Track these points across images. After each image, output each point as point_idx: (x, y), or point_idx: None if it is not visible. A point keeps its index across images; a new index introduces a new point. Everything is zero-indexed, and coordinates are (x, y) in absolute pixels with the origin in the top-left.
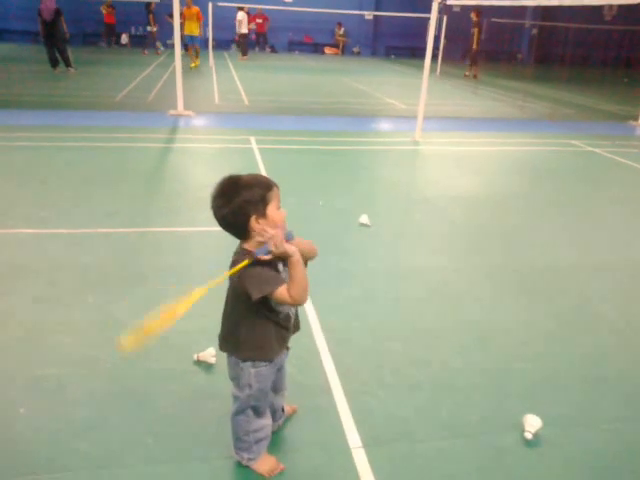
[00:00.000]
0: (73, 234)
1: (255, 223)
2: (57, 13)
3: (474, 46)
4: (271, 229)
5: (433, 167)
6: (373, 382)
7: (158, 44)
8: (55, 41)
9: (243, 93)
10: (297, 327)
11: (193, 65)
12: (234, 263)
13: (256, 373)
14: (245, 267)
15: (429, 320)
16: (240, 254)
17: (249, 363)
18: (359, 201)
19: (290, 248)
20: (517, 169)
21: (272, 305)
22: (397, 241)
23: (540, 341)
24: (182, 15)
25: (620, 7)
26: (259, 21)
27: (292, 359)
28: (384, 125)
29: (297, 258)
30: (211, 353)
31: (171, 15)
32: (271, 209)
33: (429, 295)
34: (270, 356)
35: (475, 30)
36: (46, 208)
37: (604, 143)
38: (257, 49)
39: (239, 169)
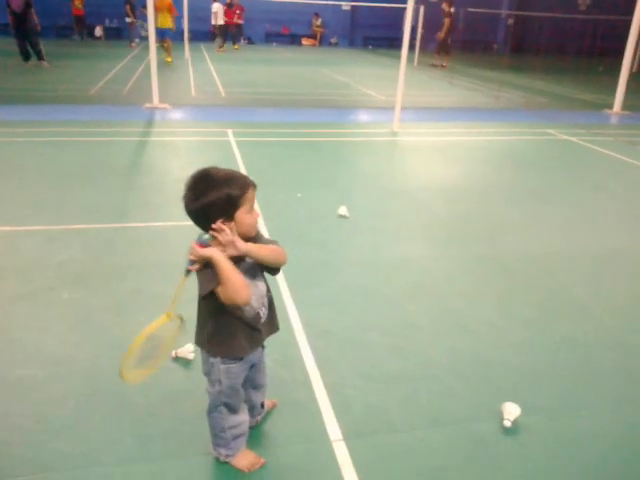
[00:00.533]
0: (48, 230)
1: (220, 224)
2: (27, 5)
3: (442, 35)
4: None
5: (411, 158)
6: (353, 374)
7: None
8: (26, 33)
9: (220, 85)
10: (275, 327)
11: (169, 60)
12: (200, 277)
13: (226, 369)
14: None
15: (410, 311)
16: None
17: (219, 359)
18: (338, 193)
19: (206, 252)
20: (495, 159)
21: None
22: (376, 232)
23: (521, 330)
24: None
25: None
26: (238, 12)
27: (272, 353)
28: (362, 116)
29: (216, 259)
30: (189, 349)
31: (145, 6)
32: (241, 213)
33: (409, 286)
34: (237, 354)
35: (446, 20)
36: (20, 205)
37: (580, 132)
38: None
39: (216, 162)
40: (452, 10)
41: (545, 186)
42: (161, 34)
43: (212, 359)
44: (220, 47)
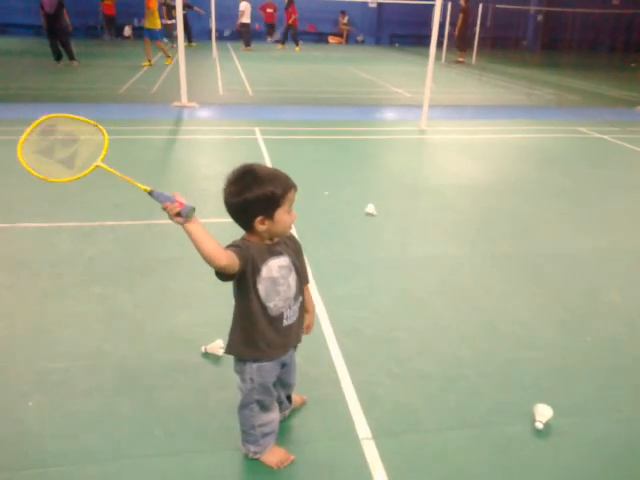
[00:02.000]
0: (79, 227)
1: (259, 224)
2: (59, 5)
3: (457, 31)
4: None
5: (439, 156)
6: (381, 372)
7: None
8: (58, 34)
9: (247, 84)
10: (298, 339)
11: (168, 61)
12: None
13: (257, 367)
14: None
15: (437, 310)
16: (240, 241)
17: (251, 359)
18: (365, 191)
19: (178, 219)
20: (524, 157)
21: (261, 298)
22: (404, 230)
23: (550, 329)
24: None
25: None
26: (269, 11)
27: (300, 350)
28: (390, 114)
29: (186, 228)
30: (219, 345)
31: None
32: (280, 212)
33: (437, 284)
34: (262, 357)
35: (461, 15)
36: (51, 202)
37: (612, 129)
38: (269, 39)
39: (244, 160)
40: (467, 5)
41: (576, 184)
42: (152, 36)
43: (242, 364)
44: (246, 46)
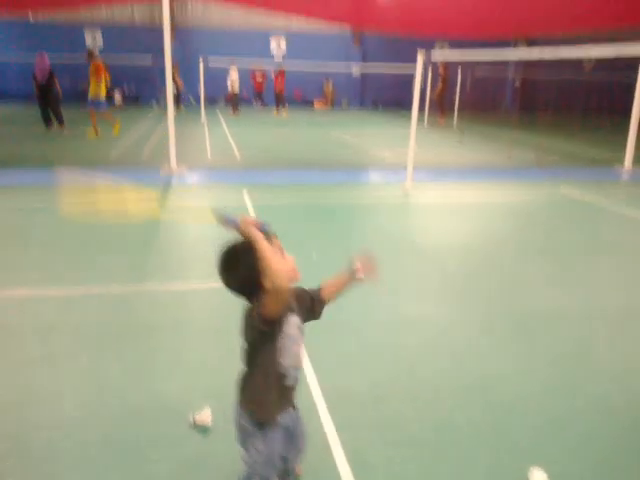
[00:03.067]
0: (67, 295)
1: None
2: (51, 75)
3: (435, 96)
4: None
5: (425, 218)
6: (374, 438)
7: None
8: (49, 102)
9: (235, 148)
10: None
11: (116, 132)
12: (246, 324)
13: (262, 435)
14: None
15: (428, 372)
16: (249, 312)
17: (256, 429)
18: (352, 253)
19: (252, 231)
20: (508, 217)
21: (278, 353)
22: (393, 292)
23: (541, 391)
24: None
25: (598, 60)
26: (259, 81)
27: None
28: (375, 176)
29: (255, 237)
30: (208, 414)
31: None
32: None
33: (427, 346)
34: (267, 412)
35: (440, 83)
36: (40, 269)
37: (592, 189)
38: (257, 104)
39: None
40: (446, 72)
41: (559, 245)
42: (96, 105)
43: (249, 426)
44: (234, 111)
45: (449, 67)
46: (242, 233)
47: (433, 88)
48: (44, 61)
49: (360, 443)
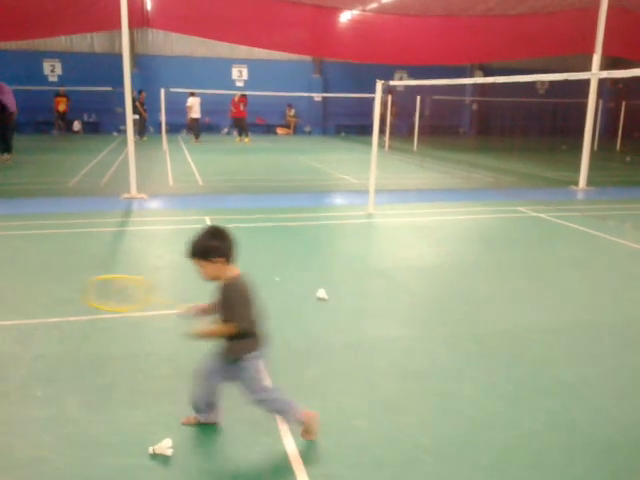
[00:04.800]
0: (21, 325)
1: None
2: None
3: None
4: None
5: (388, 239)
6: (338, 463)
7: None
8: (8, 129)
9: (197, 174)
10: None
11: None
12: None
13: (255, 365)
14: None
15: (393, 393)
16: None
17: (248, 361)
18: (316, 275)
19: (200, 335)
20: (468, 237)
21: None
22: (357, 314)
23: (504, 408)
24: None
25: (551, 83)
26: (242, 109)
27: (254, 444)
28: (338, 200)
29: (206, 334)
30: (167, 444)
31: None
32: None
33: (391, 367)
34: (257, 347)
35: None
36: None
37: (548, 208)
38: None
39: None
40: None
41: (519, 262)
42: None
43: (244, 364)
44: (196, 139)
45: (397, 94)
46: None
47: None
48: None
49: (325, 469)
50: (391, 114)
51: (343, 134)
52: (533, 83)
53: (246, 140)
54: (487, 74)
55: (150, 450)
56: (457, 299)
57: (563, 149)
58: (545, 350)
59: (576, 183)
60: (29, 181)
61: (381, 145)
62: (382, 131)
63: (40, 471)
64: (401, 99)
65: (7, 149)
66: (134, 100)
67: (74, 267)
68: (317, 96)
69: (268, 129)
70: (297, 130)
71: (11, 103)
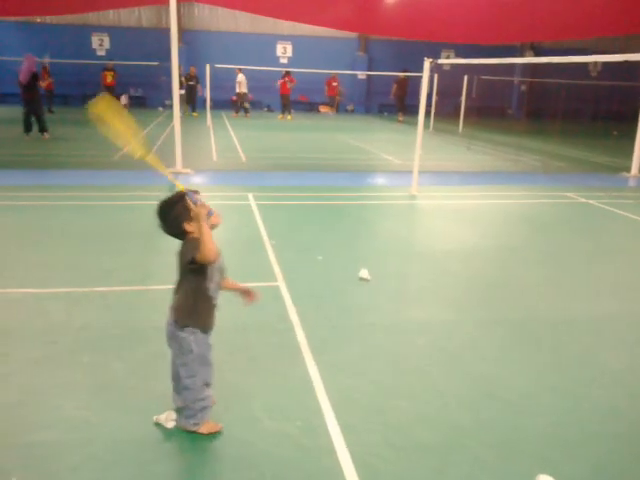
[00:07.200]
0: (71, 293)
1: (188, 226)
2: (32, 77)
3: (392, 97)
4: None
5: (430, 221)
6: (380, 443)
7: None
8: (30, 105)
9: (240, 151)
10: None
11: None
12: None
13: (195, 339)
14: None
15: (434, 376)
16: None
17: (188, 333)
18: (358, 255)
19: (199, 211)
20: (513, 222)
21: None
22: (398, 295)
23: (548, 395)
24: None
25: (604, 64)
26: (334, 84)
27: (294, 420)
28: (381, 180)
29: (202, 219)
30: (171, 417)
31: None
32: (193, 211)
33: (432, 350)
34: (208, 327)
35: (395, 85)
36: (42, 268)
37: (598, 194)
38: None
39: (237, 225)
40: (404, 78)
41: (566, 249)
42: None
43: (182, 333)
44: (236, 113)
45: (443, 74)
46: (194, 212)
47: (440, 93)
48: (27, 63)
49: (366, 447)
50: (398, 91)
51: (386, 114)
52: (585, 64)
53: (289, 117)
54: (537, 54)
55: (154, 418)
56: (499, 284)
57: (615, 134)
58: (591, 339)
59: (628, 170)
60: (77, 153)
61: (426, 126)
62: (427, 112)
63: (90, 435)
64: (447, 78)
65: (40, 128)
66: (180, 75)
67: (119, 239)
68: (361, 74)
69: (311, 107)
70: (339, 108)
71: (23, 73)
